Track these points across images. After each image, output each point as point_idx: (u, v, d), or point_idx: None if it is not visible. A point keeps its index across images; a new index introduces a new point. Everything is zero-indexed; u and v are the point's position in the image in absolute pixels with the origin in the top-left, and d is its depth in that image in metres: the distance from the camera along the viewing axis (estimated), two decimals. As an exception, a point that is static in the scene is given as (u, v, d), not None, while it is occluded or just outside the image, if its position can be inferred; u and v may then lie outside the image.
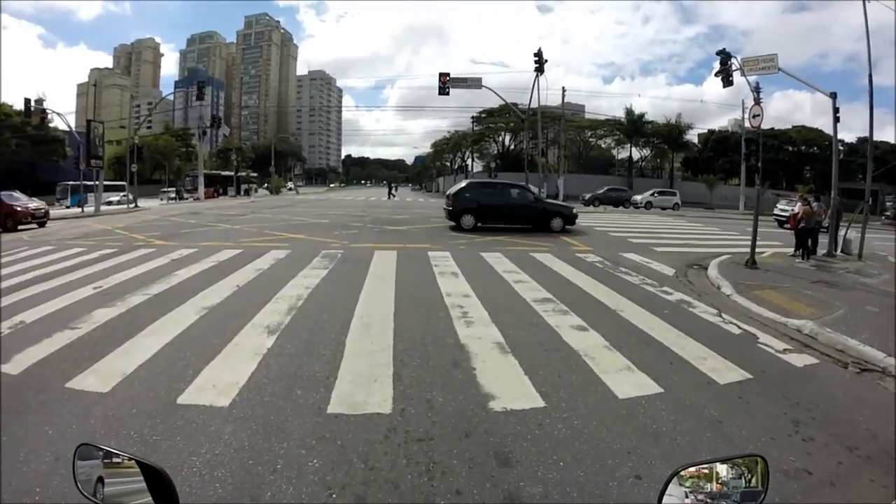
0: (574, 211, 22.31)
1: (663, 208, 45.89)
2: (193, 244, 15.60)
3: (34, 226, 24.88)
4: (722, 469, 1.36)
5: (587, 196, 48.05)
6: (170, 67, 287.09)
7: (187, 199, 58.30)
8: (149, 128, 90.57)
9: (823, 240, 17.34)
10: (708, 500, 1.30)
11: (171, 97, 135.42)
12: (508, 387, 5.44)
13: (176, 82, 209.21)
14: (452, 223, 21.42)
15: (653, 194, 49.31)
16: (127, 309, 8.28)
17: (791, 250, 17.87)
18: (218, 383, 5.30)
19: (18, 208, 24.74)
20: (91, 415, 4.72)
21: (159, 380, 5.43)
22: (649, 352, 6.51)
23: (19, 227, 23.81)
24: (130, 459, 1.40)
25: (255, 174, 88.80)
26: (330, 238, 17.09)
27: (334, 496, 3.51)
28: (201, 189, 60.23)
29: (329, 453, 4.04)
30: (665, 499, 1.27)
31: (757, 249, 14.13)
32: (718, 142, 72.45)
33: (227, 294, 9.22)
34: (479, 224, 21.13)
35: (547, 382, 5.56)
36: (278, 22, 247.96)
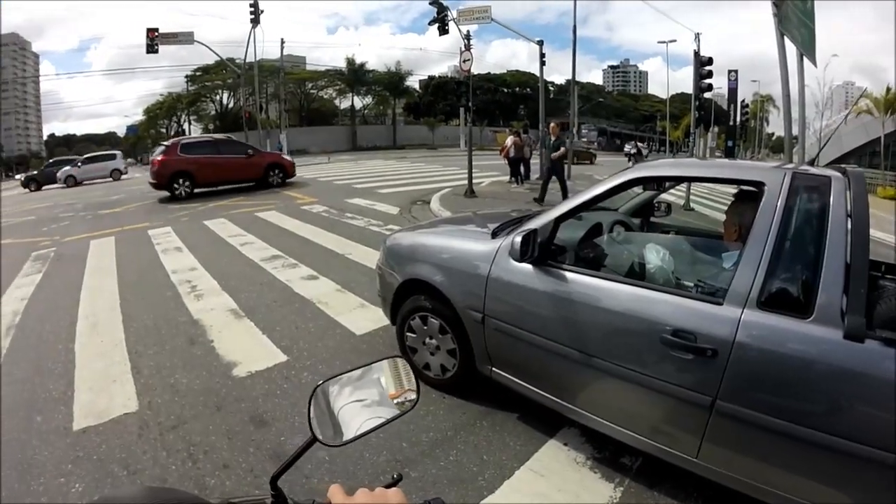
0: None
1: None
2: None
3: None
4: (357, 374, 1.41)
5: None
6: None
7: None
8: None
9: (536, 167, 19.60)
10: (357, 404, 1.34)
11: None
12: (249, 350, 5.64)
13: None
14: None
15: None
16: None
17: (507, 178, 19.93)
18: (-55, 440, 4.75)
19: None
20: None
21: None
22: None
23: None
24: None
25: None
26: (39, 236, 15.24)
27: (107, 514, 3.50)
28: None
29: (88, 472, 3.93)
30: (313, 418, 1.27)
31: (475, 180, 15.42)
32: (438, 87, 77.88)
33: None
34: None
35: (285, 336, 5.84)
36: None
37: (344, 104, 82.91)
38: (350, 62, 75.25)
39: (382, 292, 5.21)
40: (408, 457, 3.76)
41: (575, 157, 30.73)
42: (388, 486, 1.06)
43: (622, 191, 3.78)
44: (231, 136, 24.83)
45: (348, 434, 1.28)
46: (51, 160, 52.79)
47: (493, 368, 4.17)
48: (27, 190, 40.69)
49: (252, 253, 9.74)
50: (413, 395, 1.48)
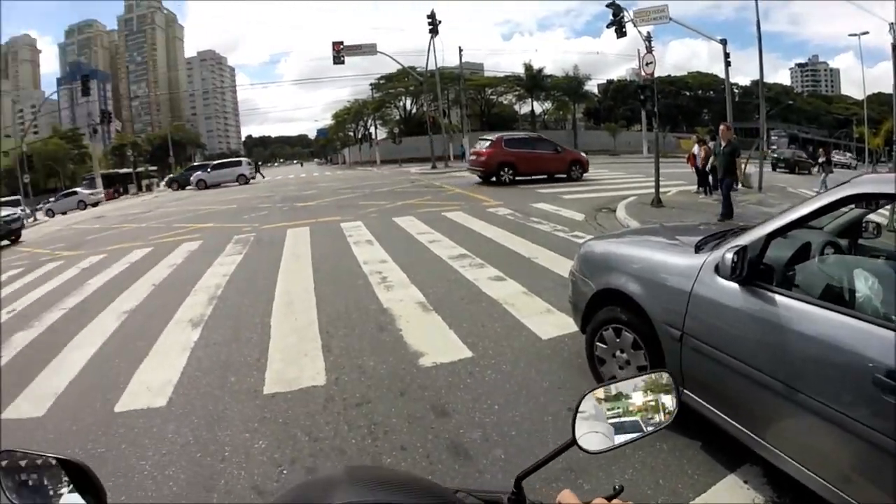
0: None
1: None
2: (102, 249, 15.01)
3: None
4: (628, 385, 1.38)
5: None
6: (50, 64, 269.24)
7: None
8: (35, 133, 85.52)
9: None
10: (618, 417, 1.33)
11: (56, 96, 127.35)
12: (435, 342, 5.65)
13: (58, 79, 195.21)
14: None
15: None
16: (46, 327, 8.00)
17: (694, 188, 18.91)
18: (152, 385, 5.30)
19: None
20: (33, 441, 4.63)
21: (93, 392, 5.37)
22: (566, 294, 6.83)
23: None
24: (52, 458, 1.37)
25: (154, 168, 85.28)
26: (240, 223, 16.78)
27: (285, 472, 3.65)
28: (100, 190, 57.59)
29: (273, 432, 4.16)
30: (577, 422, 1.27)
31: (662, 189, 14.78)
32: (617, 91, 76.14)
33: (144, 294, 9.04)
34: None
35: (472, 333, 5.80)
36: (159, 2, 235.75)
37: (524, 109, 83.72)
38: (528, 68, 76.19)
39: (574, 299, 5.04)
40: (583, 467, 3.56)
41: (796, 166, 28.49)
42: (609, 498, 1.06)
43: (841, 207, 3.38)
44: (541, 135, 27.71)
45: (606, 443, 1.28)
46: (193, 165, 58.01)
47: (685, 390, 3.88)
48: (170, 189, 45.75)
49: (440, 250, 9.88)
50: (671, 409, 1.39)
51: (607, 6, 20.51)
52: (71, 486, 1.35)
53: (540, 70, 75.72)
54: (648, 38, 19.39)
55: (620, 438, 1.29)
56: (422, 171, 36.47)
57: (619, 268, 4.33)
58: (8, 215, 23.93)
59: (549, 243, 9.83)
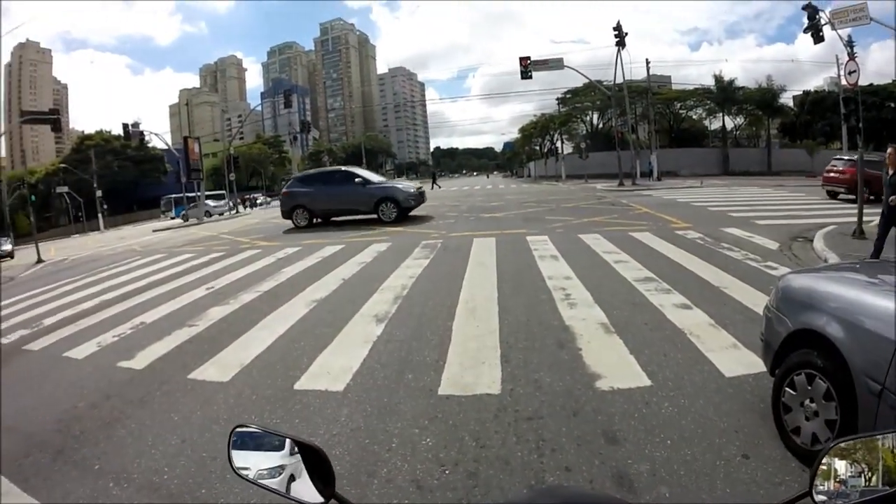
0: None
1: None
2: (297, 243, 16.15)
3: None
4: (880, 442, 1.25)
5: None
6: (254, 80, 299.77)
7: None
8: (241, 138, 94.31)
9: None
10: (867, 475, 1.22)
11: (259, 108, 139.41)
12: (614, 366, 5.39)
13: (262, 93, 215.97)
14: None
15: None
16: (240, 306, 8.77)
17: None
18: (332, 370, 5.57)
19: None
20: (213, 402, 5.09)
21: (276, 368, 5.77)
22: (755, 329, 6.27)
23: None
24: (286, 438, 1.42)
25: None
26: (427, 229, 17.33)
27: (447, 472, 3.62)
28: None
29: (441, 432, 4.16)
30: (817, 475, 1.20)
31: (865, 218, 13.29)
32: (815, 103, 66.15)
33: (333, 287, 9.55)
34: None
35: (652, 361, 5.48)
36: (352, 25, 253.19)
37: (713, 125, 77.02)
38: (718, 79, 69.76)
39: (767, 337, 4.57)
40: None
41: None
42: None
43: None
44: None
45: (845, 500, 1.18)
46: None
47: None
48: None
49: (626, 271, 9.51)
50: None
51: (802, 8, 18.76)
52: (302, 468, 1.37)
53: (731, 82, 69.40)
54: (850, 43, 17.06)
55: (863, 497, 1.18)
56: (608, 188, 35.68)
57: (819, 307, 3.86)
58: None
59: (739, 272, 9.13)
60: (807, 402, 3.78)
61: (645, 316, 6.98)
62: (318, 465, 1.35)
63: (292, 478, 1.37)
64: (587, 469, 3.62)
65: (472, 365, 5.53)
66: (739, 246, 11.56)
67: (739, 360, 5.44)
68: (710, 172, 53.57)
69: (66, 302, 11.35)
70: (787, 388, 3.94)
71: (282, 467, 1.39)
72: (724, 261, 10.06)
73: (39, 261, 24.47)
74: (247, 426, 1.51)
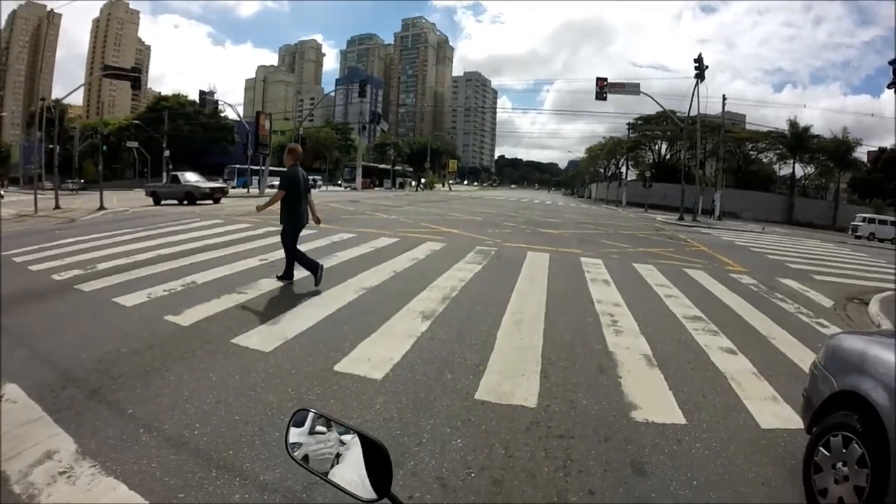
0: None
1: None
2: (352, 230, 16.50)
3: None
4: None
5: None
6: (329, 65, 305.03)
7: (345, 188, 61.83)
8: (311, 121, 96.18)
9: None
10: None
11: (333, 94, 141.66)
12: (652, 399, 5.35)
13: (337, 80, 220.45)
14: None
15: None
16: (290, 281, 8.93)
17: None
18: (373, 357, 5.63)
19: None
20: (253, 369, 5.20)
21: (318, 347, 5.87)
22: (797, 384, 6.16)
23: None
24: (350, 430, 1.44)
25: (410, 169, 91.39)
26: (483, 235, 17.40)
27: (473, 475, 3.64)
28: (359, 179, 63.18)
29: (472, 436, 4.18)
30: None
31: None
32: (890, 162, 63.91)
33: (384, 278, 9.68)
34: None
35: (690, 400, 5.43)
36: (433, 24, 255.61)
37: (783, 170, 74.70)
38: (793, 125, 66.58)
39: (809, 393, 4.48)
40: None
41: None
42: None
43: None
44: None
45: None
46: None
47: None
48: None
49: (675, 307, 9.40)
50: None
51: (889, 63, 18.15)
52: (361, 461, 1.39)
53: (806, 129, 66.36)
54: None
55: None
56: (667, 220, 35.39)
57: (867, 371, 3.78)
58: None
59: (789, 325, 8.92)
60: (839, 464, 3.71)
61: (689, 354, 6.90)
62: (379, 462, 1.37)
63: (347, 469, 1.39)
64: (611, 496, 3.61)
65: (512, 375, 5.54)
66: (793, 298, 11.30)
67: (777, 414, 5.36)
68: (773, 219, 52.38)
69: (122, 251, 11.75)
70: (821, 448, 3.88)
71: (339, 456, 1.42)
72: (776, 311, 9.85)
73: (101, 207, 25.43)
74: (310, 409, 1.54)
